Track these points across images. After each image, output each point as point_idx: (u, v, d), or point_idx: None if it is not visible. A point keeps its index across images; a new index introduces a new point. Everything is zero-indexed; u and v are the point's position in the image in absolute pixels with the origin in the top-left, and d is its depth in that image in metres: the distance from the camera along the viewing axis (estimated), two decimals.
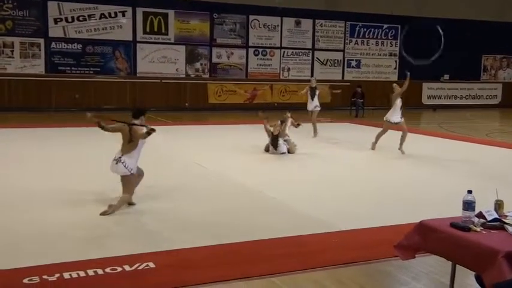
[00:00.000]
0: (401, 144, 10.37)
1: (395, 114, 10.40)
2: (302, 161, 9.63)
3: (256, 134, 10.98)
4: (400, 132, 10.44)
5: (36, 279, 3.94)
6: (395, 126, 10.45)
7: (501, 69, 26.05)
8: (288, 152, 10.01)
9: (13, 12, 18.16)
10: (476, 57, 25.09)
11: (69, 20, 18.81)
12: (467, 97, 25.18)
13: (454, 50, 23.25)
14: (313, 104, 12.75)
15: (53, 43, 18.72)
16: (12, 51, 18.29)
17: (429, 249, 3.55)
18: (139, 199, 6.54)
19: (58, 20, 18.69)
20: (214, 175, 8.18)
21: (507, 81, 25.91)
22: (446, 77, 24.51)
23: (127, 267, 4.20)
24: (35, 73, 18.50)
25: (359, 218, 5.84)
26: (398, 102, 10.38)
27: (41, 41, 18.58)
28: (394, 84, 10.85)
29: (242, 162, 9.29)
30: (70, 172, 8.17)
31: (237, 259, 4.56)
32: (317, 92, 12.86)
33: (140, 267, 4.22)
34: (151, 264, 4.28)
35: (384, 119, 10.61)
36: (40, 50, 18.60)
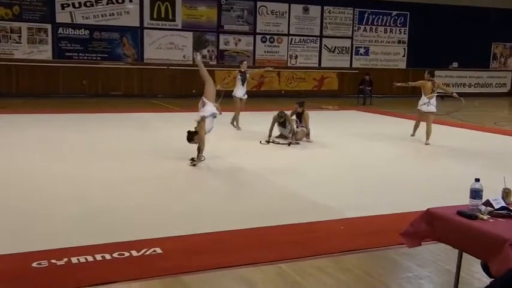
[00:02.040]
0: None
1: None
2: (309, 149, 9.62)
3: (263, 121, 10.96)
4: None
5: (44, 263, 3.98)
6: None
7: (511, 57, 25.81)
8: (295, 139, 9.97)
9: None
10: (485, 45, 24.87)
11: (76, 5, 18.78)
12: (475, 85, 25.01)
13: (463, 37, 23.10)
14: (243, 91, 11.84)
15: (60, 29, 18.73)
16: (19, 36, 18.31)
17: (436, 237, 3.55)
18: (144, 186, 6.58)
19: (65, 5, 18.67)
20: (221, 162, 8.19)
21: None
22: (455, 64, 24.33)
23: (134, 253, 4.23)
24: (42, 59, 18.53)
25: (366, 206, 5.85)
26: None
27: (48, 26, 18.58)
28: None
29: (249, 149, 9.30)
30: (77, 157, 8.21)
31: (243, 245, 4.58)
32: (247, 78, 12.05)
33: (147, 253, 4.25)
34: (159, 250, 4.31)
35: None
36: (47, 36, 18.61)
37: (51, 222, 5.09)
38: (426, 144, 10.05)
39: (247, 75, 11.98)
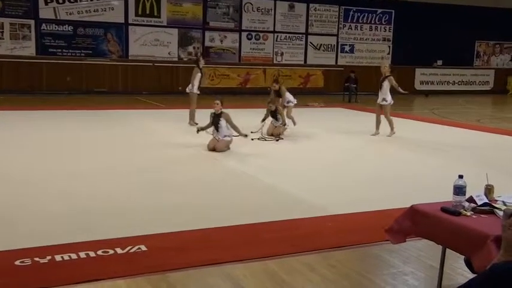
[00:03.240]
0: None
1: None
2: (295, 146, 9.65)
3: (248, 118, 10.96)
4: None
5: (28, 261, 3.94)
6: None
7: (494, 55, 26.12)
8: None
9: None
10: (469, 43, 25.12)
11: (60, 1, 18.60)
12: (459, 83, 25.26)
13: (448, 35, 23.30)
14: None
15: (44, 25, 18.53)
16: (2, 32, 18.09)
17: (420, 233, 3.58)
18: (130, 183, 6.55)
19: (49, 1, 18.47)
20: (207, 159, 8.18)
21: (499, 68, 26.00)
22: (439, 62, 24.54)
23: (119, 250, 4.21)
24: (25, 55, 18.32)
25: (351, 202, 5.88)
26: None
27: (32, 22, 18.38)
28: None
29: (234, 146, 9.29)
30: (61, 154, 8.14)
31: (229, 242, 4.58)
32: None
33: (132, 250, 4.23)
34: (143, 247, 4.29)
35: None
36: (30, 32, 18.40)
37: (35, 219, 5.04)
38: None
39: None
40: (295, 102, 11.26)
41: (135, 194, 6.06)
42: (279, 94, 10.87)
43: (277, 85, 10.94)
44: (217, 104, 8.61)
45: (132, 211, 5.41)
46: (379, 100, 10.82)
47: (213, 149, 8.55)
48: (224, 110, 8.74)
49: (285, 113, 10.66)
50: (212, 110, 8.76)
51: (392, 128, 10.65)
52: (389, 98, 10.71)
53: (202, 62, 11.89)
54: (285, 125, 10.25)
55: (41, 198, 5.74)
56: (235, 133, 8.79)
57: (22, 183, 6.38)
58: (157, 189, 6.28)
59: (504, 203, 3.45)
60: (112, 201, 5.75)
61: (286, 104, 11.10)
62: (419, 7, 22.93)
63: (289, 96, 11.22)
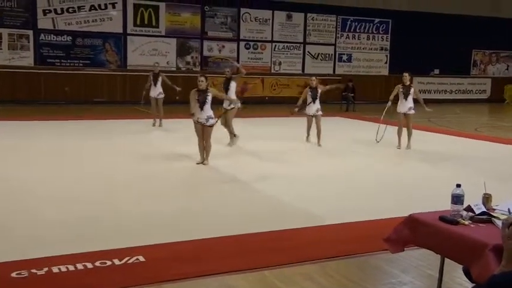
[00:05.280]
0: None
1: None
2: (292, 155, 9.64)
3: (245, 127, 10.97)
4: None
5: (24, 273, 3.91)
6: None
7: (490, 64, 26.21)
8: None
9: (1, 3, 17.96)
10: (466, 52, 25.22)
11: (59, 11, 18.64)
12: (456, 92, 25.32)
13: (444, 44, 23.39)
14: (157, 91, 12.49)
15: (42, 35, 18.56)
16: (0, 42, 18.10)
17: (418, 242, 3.57)
18: (128, 192, 6.53)
19: (47, 11, 18.52)
20: (203, 168, 8.17)
21: (496, 76, 26.08)
22: (437, 71, 24.62)
23: (116, 261, 4.19)
24: (23, 65, 18.33)
25: (349, 212, 5.86)
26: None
27: (30, 32, 18.41)
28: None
29: (230, 155, 9.29)
30: (61, 164, 8.12)
31: (227, 252, 4.56)
32: (160, 79, 12.47)
33: (130, 261, 4.21)
34: (141, 258, 4.27)
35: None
36: (29, 42, 18.43)
37: (32, 230, 5.01)
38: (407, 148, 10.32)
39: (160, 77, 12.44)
40: (239, 105, 10.25)
41: (133, 203, 6.04)
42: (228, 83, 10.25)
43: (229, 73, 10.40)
44: (202, 81, 8.25)
45: (131, 221, 5.39)
46: (405, 109, 10.37)
47: (202, 136, 8.28)
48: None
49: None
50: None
51: (410, 139, 10.41)
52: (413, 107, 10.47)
53: (156, 69, 12.58)
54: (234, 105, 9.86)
55: (38, 208, 5.71)
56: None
57: (19, 192, 6.36)
58: (155, 199, 6.27)
59: (510, 211, 3.40)
60: (110, 210, 5.73)
61: (227, 107, 10.26)
62: (417, 16, 23.04)
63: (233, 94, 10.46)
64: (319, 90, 10.54)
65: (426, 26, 23.13)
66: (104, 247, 4.48)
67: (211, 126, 8.37)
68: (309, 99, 10.51)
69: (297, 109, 10.50)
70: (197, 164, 8.29)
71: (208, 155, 8.44)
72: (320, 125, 10.43)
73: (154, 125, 12.54)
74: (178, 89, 12.30)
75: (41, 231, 4.95)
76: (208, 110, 8.28)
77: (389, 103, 10.53)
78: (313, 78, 10.81)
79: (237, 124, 10.51)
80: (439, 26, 23.27)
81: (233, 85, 10.33)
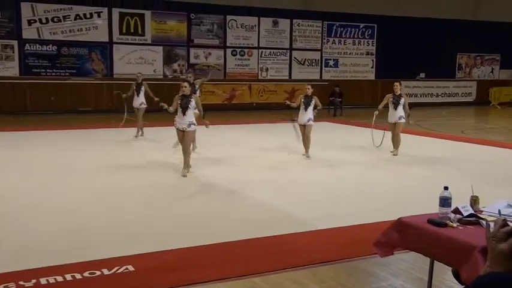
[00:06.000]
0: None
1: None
2: (281, 160, 9.64)
3: (234, 135, 10.96)
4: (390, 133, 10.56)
5: (12, 285, 3.86)
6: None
7: (475, 67, 26.48)
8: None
9: None
10: (451, 55, 25.46)
11: (43, 21, 18.53)
12: (443, 95, 25.53)
13: (430, 48, 23.61)
14: (139, 101, 12.30)
15: (27, 45, 18.42)
16: None
17: (407, 245, 3.58)
18: (115, 201, 6.49)
19: (32, 21, 18.40)
20: (190, 176, 8.14)
21: (481, 79, 26.34)
22: (422, 75, 24.82)
23: (106, 271, 4.15)
24: (8, 76, 18.17)
25: (339, 217, 5.87)
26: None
27: (15, 42, 18.26)
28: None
29: (218, 162, 9.27)
30: (47, 173, 8.05)
31: (216, 260, 4.54)
32: (143, 89, 12.33)
33: (119, 271, 4.18)
34: (131, 268, 4.24)
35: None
36: (14, 52, 18.28)
37: (19, 241, 4.96)
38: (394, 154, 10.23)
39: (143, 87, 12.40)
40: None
41: (121, 213, 6.00)
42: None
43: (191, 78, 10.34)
44: (186, 86, 8.22)
45: (119, 230, 5.35)
46: (395, 119, 10.27)
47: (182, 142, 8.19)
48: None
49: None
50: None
51: (398, 147, 10.34)
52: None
53: (139, 78, 12.59)
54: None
55: (26, 218, 5.65)
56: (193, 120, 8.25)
57: (4, 202, 6.28)
58: (143, 208, 6.23)
59: (500, 213, 3.40)
60: (99, 220, 5.68)
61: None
62: (401, 21, 23.22)
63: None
64: (314, 100, 10.06)
65: (411, 30, 23.32)
66: (93, 257, 4.44)
67: (193, 131, 8.30)
68: (302, 107, 10.08)
69: (287, 102, 10.48)
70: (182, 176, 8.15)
71: (188, 164, 8.24)
72: (310, 135, 10.04)
73: (136, 136, 12.33)
74: (156, 99, 11.98)
75: (28, 242, 4.90)
76: (190, 116, 8.21)
77: (377, 112, 10.50)
78: (309, 86, 10.32)
79: (226, 130, 10.52)
80: (423, 30, 23.48)
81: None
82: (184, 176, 8.05)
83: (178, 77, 20.41)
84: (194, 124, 8.26)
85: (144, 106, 12.37)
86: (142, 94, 12.36)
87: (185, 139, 8.22)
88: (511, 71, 26.65)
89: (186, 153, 8.26)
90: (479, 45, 25.57)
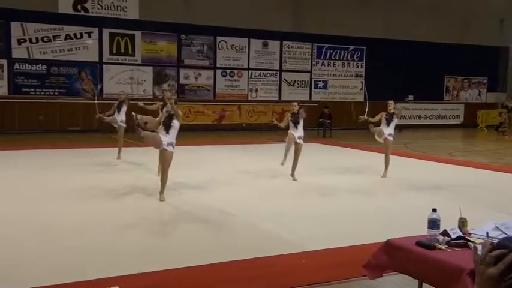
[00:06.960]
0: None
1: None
2: (269, 181, 9.62)
3: (223, 154, 10.94)
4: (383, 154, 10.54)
5: None
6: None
7: (463, 90, 26.81)
8: None
9: None
10: (439, 78, 25.78)
11: (34, 40, 18.53)
12: (431, 117, 25.76)
13: (418, 71, 23.90)
14: (119, 119, 11.98)
15: (17, 64, 18.39)
16: None
17: (396, 267, 3.57)
18: (103, 223, 6.42)
19: (22, 40, 18.39)
20: (178, 195, 8.09)
21: (469, 102, 26.65)
22: (411, 97, 25.06)
23: None
24: None
25: (326, 238, 5.85)
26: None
27: (4, 62, 18.22)
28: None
29: (206, 182, 9.22)
30: (33, 195, 7.95)
31: (204, 282, 4.49)
32: (124, 108, 11.95)
33: None
34: None
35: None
36: (3, 71, 18.23)
37: (5, 261, 4.87)
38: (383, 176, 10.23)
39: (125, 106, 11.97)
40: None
41: (107, 234, 5.93)
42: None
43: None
44: (171, 102, 7.89)
45: (106, 252, 5.28)
46: (385, 135, 10.20)
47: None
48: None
49: None
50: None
51: (387, 168, 10.24)
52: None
53: (121, 97, 12.22)
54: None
55: (11, 241, 5.57)
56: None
57: None
58: (129, 230, 6.17)
59: (488, 235, 3.40)
60: (85, 242, 5.61)
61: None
62: (390, 44, 23.52)
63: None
64: (301, 117, 9.81)
65: (400, 53, 23.63)
66: (80, 278, 4.38)
67: (170, 152, 7.70)
68: (291, 125, 9.82)
69: (275, 122, 10.31)
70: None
71: (164, 188, 7.75)
72: (298, 156, 9.75)
73: (118, 158, 12.08)
74: (134, 114, 11.72)
75: (14, 263, 4.81)
76: (172, 137, 7.76)
77: (364, 118, 10.49)
78: (295, 103, 10.11)
79: (213, 151, 10.50)
80: (412, 53, 23.80)
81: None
82: (163, 200, 7.66)
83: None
84: (173, 147, 7.77)
85: (123, 125, 11.92)
86: (122, 113, 11.95)
87: (163, 160, 7.85)
88: (497, 94, 27.01)
89: (163, 174, 7.86)
90: (467, 69, 25.94)
